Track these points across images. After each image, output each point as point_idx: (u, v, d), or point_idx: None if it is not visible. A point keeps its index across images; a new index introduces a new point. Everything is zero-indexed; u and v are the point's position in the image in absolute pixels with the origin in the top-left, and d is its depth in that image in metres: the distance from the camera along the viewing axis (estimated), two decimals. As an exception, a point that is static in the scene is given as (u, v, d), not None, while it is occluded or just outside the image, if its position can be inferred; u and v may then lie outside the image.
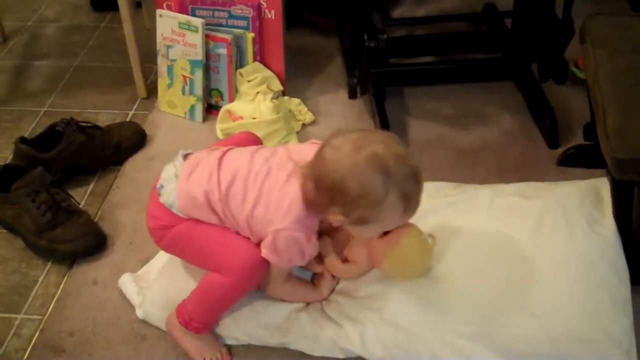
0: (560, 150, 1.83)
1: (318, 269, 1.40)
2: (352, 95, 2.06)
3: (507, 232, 1.43)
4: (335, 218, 1.18)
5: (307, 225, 1.21)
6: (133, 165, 1.84)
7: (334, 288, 1.40)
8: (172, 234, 1.31)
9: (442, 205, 1.53)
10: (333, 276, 1.40)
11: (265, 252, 1.23)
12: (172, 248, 1.37)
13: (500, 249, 1.40)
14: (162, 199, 1.29)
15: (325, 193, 1.15)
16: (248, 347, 1.36)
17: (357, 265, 1.37)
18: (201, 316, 1.30)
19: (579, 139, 1.80)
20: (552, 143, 1.85)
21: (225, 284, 1.26)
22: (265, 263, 1.26)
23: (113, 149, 1.83)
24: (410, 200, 1.16)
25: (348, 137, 1.16)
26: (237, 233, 1.28)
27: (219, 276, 1.26)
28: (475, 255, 1.40)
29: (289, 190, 1.20)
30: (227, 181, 1.24)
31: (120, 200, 1.72)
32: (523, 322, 1.28)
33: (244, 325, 1.35)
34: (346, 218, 1.17)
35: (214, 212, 1.26)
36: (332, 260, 1.38)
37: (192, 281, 1.36)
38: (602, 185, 1.53)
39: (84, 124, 1.80)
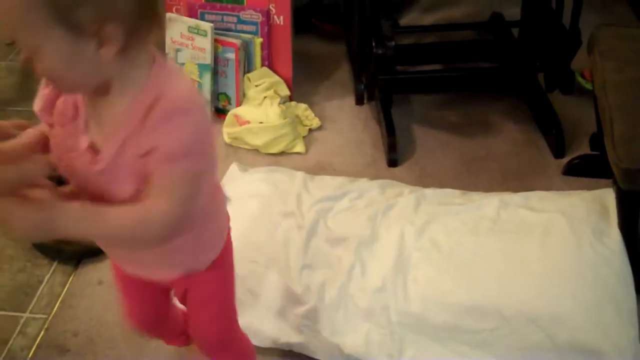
0: (566, 159, 1.83)
1: None
2: (359, 101, 2.07)
3: (513, 243, 1.43)
4: None
5: None
6: (140, 167, 1.84)
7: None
8: None
9: (447, 214, 1.53)
10: None
11: None
12: None
13: (507, 260, 1.40)
14: None
15: None
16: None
17: None
18: None
19: (584, 149, 1.80)
20: (558, 152, 1.85)
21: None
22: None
23: (120, 150, 1.83)
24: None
25: None
26: None
27: None
28: (482, 265, 1.39)
29: None
30: None
31: (127, 202, 1.73)
32: (529, 332, 1.28)
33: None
34: None
35: None
36: None
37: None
38: (608, 196, 1.53)
39: (91, 125, 1.81)
